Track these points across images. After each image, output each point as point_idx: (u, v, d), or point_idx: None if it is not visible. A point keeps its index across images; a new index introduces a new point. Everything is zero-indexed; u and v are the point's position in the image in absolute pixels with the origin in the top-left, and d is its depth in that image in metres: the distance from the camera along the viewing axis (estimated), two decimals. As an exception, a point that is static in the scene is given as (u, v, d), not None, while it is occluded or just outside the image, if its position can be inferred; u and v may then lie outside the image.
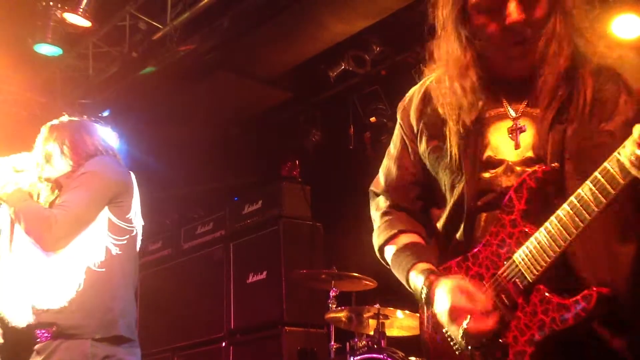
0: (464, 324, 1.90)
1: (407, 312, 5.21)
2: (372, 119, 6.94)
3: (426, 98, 2.21)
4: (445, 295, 1.95)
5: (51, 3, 6.27)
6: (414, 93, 2.28)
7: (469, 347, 1.97)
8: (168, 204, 8.33)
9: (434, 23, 2.13)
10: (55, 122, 3.63)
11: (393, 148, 2.33)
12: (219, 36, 6.53)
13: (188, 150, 8.13)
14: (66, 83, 7.71)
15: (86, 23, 6.24)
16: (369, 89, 7.01)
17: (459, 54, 2.06)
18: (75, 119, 3.75)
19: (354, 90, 7.14)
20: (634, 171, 1.66)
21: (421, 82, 2.28)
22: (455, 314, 1.92)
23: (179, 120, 7.74)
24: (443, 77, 2.13)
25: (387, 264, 2.28)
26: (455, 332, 1.95)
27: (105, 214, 3.34)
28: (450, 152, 2.08)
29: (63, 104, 7.44)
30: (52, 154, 3.49)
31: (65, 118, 3.70)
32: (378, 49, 6.67)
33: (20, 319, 3.29)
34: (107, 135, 3.74)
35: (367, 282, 5.52)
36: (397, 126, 2.32)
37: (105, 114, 7.82)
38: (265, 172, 7.93)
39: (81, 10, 6.08)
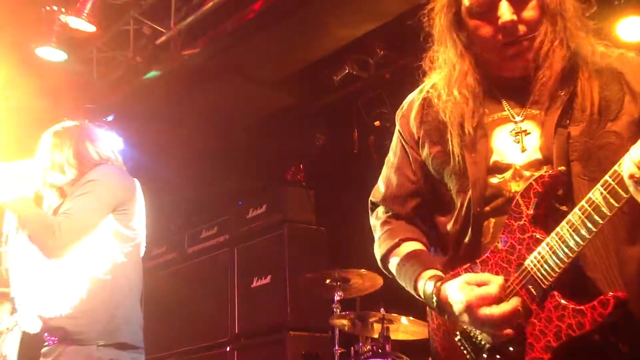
0: (488, 312, 1.83)
1: (411, 318, 5.20)
2: (376, 123, 6.93)
3: (426, 104, 2.19)
4: (457, 294, 1.89)
5: (55, 8, 6.28)
6: (413, 100, 2.26)
7: (484, 355, 1.95)
8: (172, 208, 8.34)
9: (431, 31, 2.14)
10: (57, 127, 3.63)
11: (393, 156, 2.30)
12: (223, 40, 6.54)
13: (192, 154, 8.14)
14: (70, 88, 7.72)
15: (90, 28, 6.24)
16: (372, 92, 6.99)
17: (457, 60, 2.07)
18: (77, 123, 3.74)
19: (358, 94, 7.12)
20: (632, 189, 1.65)
21: (419, 89, 2.27)
22: (474, 307, 1.85)
23: (183, 125, 7.74)
24: (442, 84, 2.13)
25: (391, 273, 2.26)
26: (480, 327, 1.89)
27: (110, 221, 3.35)
28: (454, 158, 2.06)
29: (67, 109, 7.44)
30: (57, 162, 3.48)
31: (67, 123, 3.69)
32: (382, 52, 6.66)
33: (29, 324, 3.31)
34: (110, 140, 3.72)
35: (375, 280, 5.45)
36: (396, 134, 2.29)
37: (110, 118, 7.83)
38: (269, 177, 7.93)
39: (85, 14, 6.09)
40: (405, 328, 5.39)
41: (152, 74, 7.02)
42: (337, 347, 5.60)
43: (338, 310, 5.53)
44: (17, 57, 6.72)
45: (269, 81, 7.15)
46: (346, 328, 5.53)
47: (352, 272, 5.53)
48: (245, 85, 7.15)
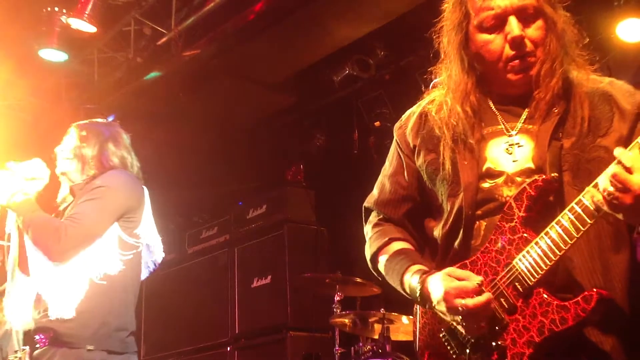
0: (463, 302, 1.93)
1: (411, 317, 5.19)
2: (377, 124, 6.94)
3: (423, 117, 2.30)
4: (438, 283, 2.01)
5: (56, 8, 6.29)
6: (411, 114, 2.38)
7: (467, 351, 2.01)
8: (172, 209, 8.34)
9: (439, 49, 2.25)
10: (86, 121, 3.63)
11: (388, 166, 2.40)
12: (224, 41, 6.55)
13: (192, 154, 8.14)
14: (71, 88, 7.73)
15: (91, 28, 6.26)
16: (373, 93, 7.01)
17: (462, 78, 2.18)
18: (104, 120, 3.74)
19: (358, 95, 7.14)
20: (605, 207, 1.80)
21: (417, 104, 2.38)
22: (451, 296, 1.96)
23: (184, 125, 7.75)
24: (444, 99, 2.23)
25: (379, 273, 2.34)
26: (454, 316, 1.99)
27: (114, 229, 3.33)
28: (446, 165, 2.15)
29: (68, 109, 7.45)
30: (79, 156, 3.48)
31: (96, 119, 3.70)
32: (382, 53, 6.68)
33: (23, 324, 3.30)
34: (129, 144, 3.71)
35: (372, 289, 5.51)
36: (394, 144, 2.40)
37: (110, 119, 7.83)
38: (269, 177, 7.94)
39: (86, 15, 6.11)
40: (405, 328, 5.40)
41: (153, 74, 7.03)
42: (337, 347, 5.61)
43: (338, 310, 5.54)
44: (18, 57, 6.73)
45: (270, 82, 7.17)
46: (346, 328, 5.54)
47: (351, 280, 5.52)
48: (246, 86, 7.15)
